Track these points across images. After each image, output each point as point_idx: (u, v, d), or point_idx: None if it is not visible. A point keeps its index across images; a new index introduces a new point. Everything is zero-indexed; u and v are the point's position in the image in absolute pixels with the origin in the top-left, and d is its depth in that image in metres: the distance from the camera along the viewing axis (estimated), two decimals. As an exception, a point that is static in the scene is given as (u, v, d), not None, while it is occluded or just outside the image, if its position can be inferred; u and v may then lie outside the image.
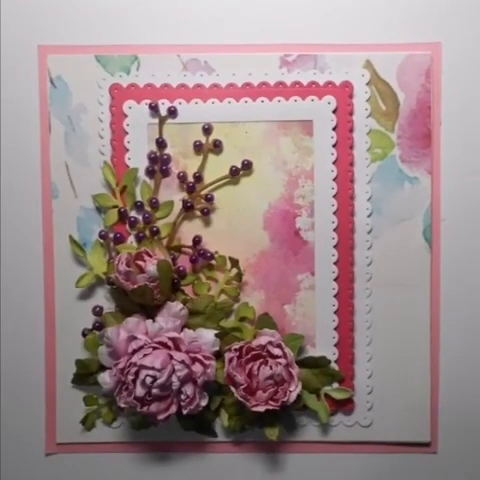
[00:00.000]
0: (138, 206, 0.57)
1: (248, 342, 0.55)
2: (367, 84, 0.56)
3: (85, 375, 0.57)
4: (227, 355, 0.54)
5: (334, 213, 0.56)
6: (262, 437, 0.56)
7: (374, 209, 0.57)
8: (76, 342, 0.57)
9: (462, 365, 0.57)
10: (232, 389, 0.54)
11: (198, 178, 0.56)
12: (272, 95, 0.56)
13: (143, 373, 0.52)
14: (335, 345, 0.57)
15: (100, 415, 0.58)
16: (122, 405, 0.53)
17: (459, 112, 0.57)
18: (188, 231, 0.57)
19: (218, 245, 0.57)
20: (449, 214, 0.57)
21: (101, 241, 0.57)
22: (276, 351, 0.54)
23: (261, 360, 0.54)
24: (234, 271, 0.56)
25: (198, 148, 0.56)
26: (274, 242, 0.57)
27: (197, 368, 0.53)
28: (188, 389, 0.53)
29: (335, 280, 0.56)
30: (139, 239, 0.56)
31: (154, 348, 0.53)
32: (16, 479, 0.58)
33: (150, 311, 0.55)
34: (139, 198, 0.57)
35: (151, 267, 0.53)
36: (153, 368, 0.51)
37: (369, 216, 0.57)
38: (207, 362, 0.53)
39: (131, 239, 0.57)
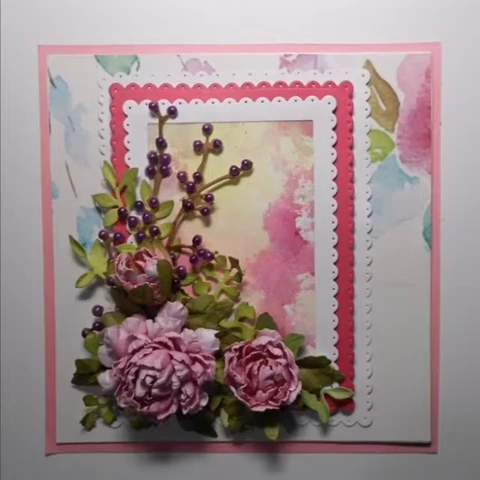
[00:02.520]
0: (138, 206, 0.57)
1: (248, 342, 0.55)
2: (367, 84, 0.56)
3: (85, 375, 0.57)
4: (227, 355, 0.54)
5: (334, 213, 0.56)
6: (262, 437, 0.56)
7: (374, 209, 0.57)
8: (76, 342, 0.57)
9: (462, 365, 0.57)
10: (232, 389, 0.54)
11: (198, 178, 0.56)
12: (272, 95, 0.56)
13: (143, 373, 0.52)
14: (335, 345, 0.57)
15: (100, 415, 0.58)
16: (122, 405, 0.53)
17: (459, 112, 0.57)
18: (188, 231, 0.57)
19: (218, 245, 0.57)
20: (449, 214, 0.57)
21: (101, 241, 0.57)
22: (276, 351, 0.54)
23: (261, 360, 0.54)
24: (234, 271, 0.56)
25: (198, 148, 0.56)
26: (274, 242, 0.57)
27: (197, 368, 0.53)
28: (188, 389, 0.53)
29: (335, 280, 0.56)
30: (139, 239, 0.56)
31: (154, 348, 0.53)
32: (16, 479, 0.58)
33: (150, 311, 0.55)
34: (139, 198, 0.57)
35: (151, 267, 0.53)
36: (153, 368, 0.51)
37: (369, 216, 0.57)
38: (207, 362, 0.53)
39: (131, 239, 0.57)
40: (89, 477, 0.58)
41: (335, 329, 0.57)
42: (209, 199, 0.56)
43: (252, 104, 0.56)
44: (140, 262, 0.54)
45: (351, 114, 0.56)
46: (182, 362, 0.52)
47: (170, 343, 0.53)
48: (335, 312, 0.56)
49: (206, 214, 0.57)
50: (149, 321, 0.54)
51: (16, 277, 0.58)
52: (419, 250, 0.57)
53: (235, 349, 0.54)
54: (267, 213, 0.57)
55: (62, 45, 0.57)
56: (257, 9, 0.57)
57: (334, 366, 0.57)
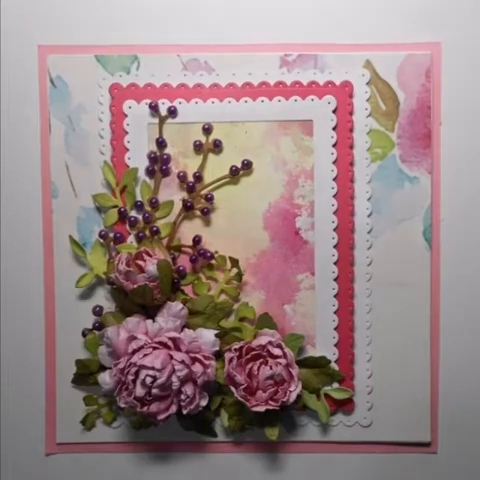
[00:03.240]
0: (138, 206, 0.57)
1: (248, 342, 0.55)
2: (367, 84, 0.56)
3: (85, 375, 0.57)
4: (227, 355, 0.54)
5: (334, 213, 0.56)
6: (262, 437, 0.56)
7: (374, 209, 0.57)
8: (76, 342, 0.57)
9: (462, 365, 0.57)
10: (232, 389, 0.54)
11: (198, 178, 0.56)
12: (272, 95, 0.56)
13: (143, 373, 0.52)
14: (335, 345, 0.57)
15: (100, 415, 0.58)
16: (122, 405, 0.53)
17: (459, 112, 0.57)
18: (188, 231, 0.57)
19: (218, 245, 0.57)
20: (449, 214, 0.57)
21: (101, 241, 0.57)
22: (276, 351, 0.54)
23: (261, 360, 0.54)
24: (234, 271, 0.56)
25: (198, 148, 0.56)
26: (274, 242, 0.57)
27: (197, 368, 0.53)
28: (188, 389, 0.53)
29: (335, 280, 0.56)
30: (139, 239, 0.56)
31: (154, 348, 0.53)
32: (16, 479, 0.58)
33: (150, 311, 0.55)
34: (139, 198, 0.57)
35: (151, 267, 0.53)
36: (153, 368, 0.51)
37: (369, 216, 0.57)
38: (207, 362, 0.53)
39: (131, 239, 0.57)
40: (89, 477, 0.58)
41: (335, 329, 0.57)
42: (209, 199, 0.56)
43: (252, 104, 0.56)
44: (140, 262, 0.54)
45: (351, 114, 0.56)
46: (182, 362, 0.52)
47: (170, 343, 0.53)
48: (335, 312, 0.56)
49: (206, 214, 0.57)
50: (149, 321, 0.54)
51: (16, 277, 0.58)
52: (419, 250, 0.57)
53: (235, 349, 0.54)
54: (267, 213, 0.57)
55: (62, 45, 0.57)
56: (257, 9, 0.57)
57: (334, 366, 0.57)
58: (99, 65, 0.57)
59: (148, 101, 0.56)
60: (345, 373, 0.57)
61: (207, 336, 0.55)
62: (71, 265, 0.57)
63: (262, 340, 0.54)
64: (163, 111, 0.56)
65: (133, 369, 0.52)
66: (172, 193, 0.57)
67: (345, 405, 0.57)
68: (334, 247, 0.56)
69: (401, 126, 0.57)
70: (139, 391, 0.52)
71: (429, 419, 0.57)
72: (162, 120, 0.56)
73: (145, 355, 0.52)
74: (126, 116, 0.56)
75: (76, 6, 0.57)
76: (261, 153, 0.57)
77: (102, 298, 0.57)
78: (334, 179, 0.56)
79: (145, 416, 0.54)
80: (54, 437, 0.58)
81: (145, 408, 0.53)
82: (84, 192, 0.57)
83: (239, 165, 0.56)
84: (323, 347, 0.57)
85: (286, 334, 0.56)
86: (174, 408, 0.53)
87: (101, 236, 0.57)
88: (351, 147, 0.56)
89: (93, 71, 0.57)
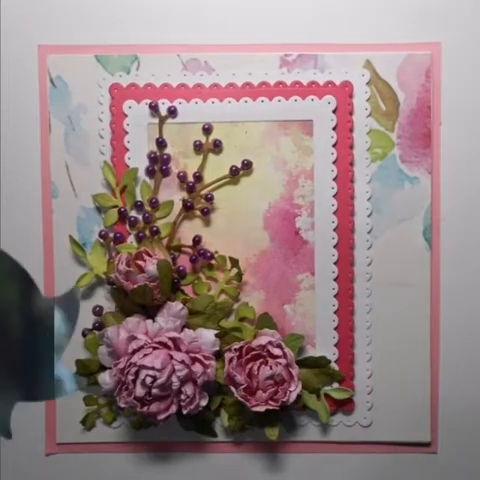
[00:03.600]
0: (138, 206, 0.57)
1: (248, 342, 0.55)
2: (367, 84, 0.56)
3: (85, 375, 0.56)
4: (227, 355, 0.54)
5: (334, 213, 0.56)
6: (262, 437, 0.56)
7: (374, 209, 0.57)
8: (76, 342, 0.57)
9: (462, 365, 0.57)
10: (232, 389, 0.54)
11: (198, 178, 0.56)
12: (272, 95, 0.56)
13: (143, 373, 0.52)
14: (335, 345, 0.57)
15: (100, 415, 0.58)
16: (122, 405, 0.53)
17: (459, 112, 0.57)
18: (188, 231, 0.57)
19: (218, 245, 0.57)
20: (449, 214, 0.57)
21: (101, 241, 0.57)
22: (276, 351, 0.54)
23: (261, 360, 0.54)
24: (234, 271, 0.56)
25: (198, 148, 0.56)
26: (274, 242, 0.57)
27: (197, 368, 0.53)
28: (188, 389, 0.53)
29: (335, 280, 0.56)
30: (139, 239, 0.56)
31: (154, 348, 0.53)
32: (16, 479, 0.58)
33: (150, 311, 0.55)
34: (139, 198, 0.57)
35: (151, 267, 0.53)
36: (153, 368, 0.51)
37: (369, 216, 0.57)
38: (207, 362, 0.53)
39: (131, 239, 0.57)
40: (89, 477, 0.58)
41: (335, 329, 0.57)
42: (209, 199, 0.56)
43: (252, 104, 0.56)
44: (140, 262, 0.54)
45: (351, 114, 0.56)
46: (182, 362, 0.52)
47: (170, 343, 0.53)
48: (335, 312, 0.56)
49: (206, 214, 0.57)
50: (149, 321, 0.54)
51: (16, 277, 0.58)
52: (419, 250, 0.57)
53: (235, 349, 0.54)
54: (267, 213, 0.57)
55: (62, 45, 0.57)
56: (257, 9, 0.57)
57: (334, 366, 0.57)
58: (99, 65, 0.57)
59: (148, 101, 0.56)
60: (345, 373, 0.57)
61: (207, 336, 0.55)
62: (71, 265, 0.57)
63: (262, 340, 0.54)
64: (163, 111, 0.56)
65: (133, 369, 0.52)
66: (172, 193, 0.57)
67: (345, 405, 0.57)
68: (334, 247, 0.56)
69: (401, 126, 0.57)
70: (139, 391, 0.52)
71: (429, 419, 0.57)
72: (162, 120, 0.56)
73: (145, 355, 0.52)
74: (126, 116, 0.56)
75: (76, 6, 0.57)
76: (261, 153, 0.57)
77: (102, 298, 0.57)
78: (334, 179, 0.56)
79: (145, 416, 0.54)
80: (54, 437, 0.58)
81: (145, 408, 0.53)
82: (84, 192, 0.57)
83: (239, 165, 0.56)
84: (323, 347, 0.57)
85: (286, 334, 0.56)
86: (174, 408, 0.53)
87: (101, 236, 0.57)
88: (351, 147, 0.56)
89: (93, 71, 0.57)
